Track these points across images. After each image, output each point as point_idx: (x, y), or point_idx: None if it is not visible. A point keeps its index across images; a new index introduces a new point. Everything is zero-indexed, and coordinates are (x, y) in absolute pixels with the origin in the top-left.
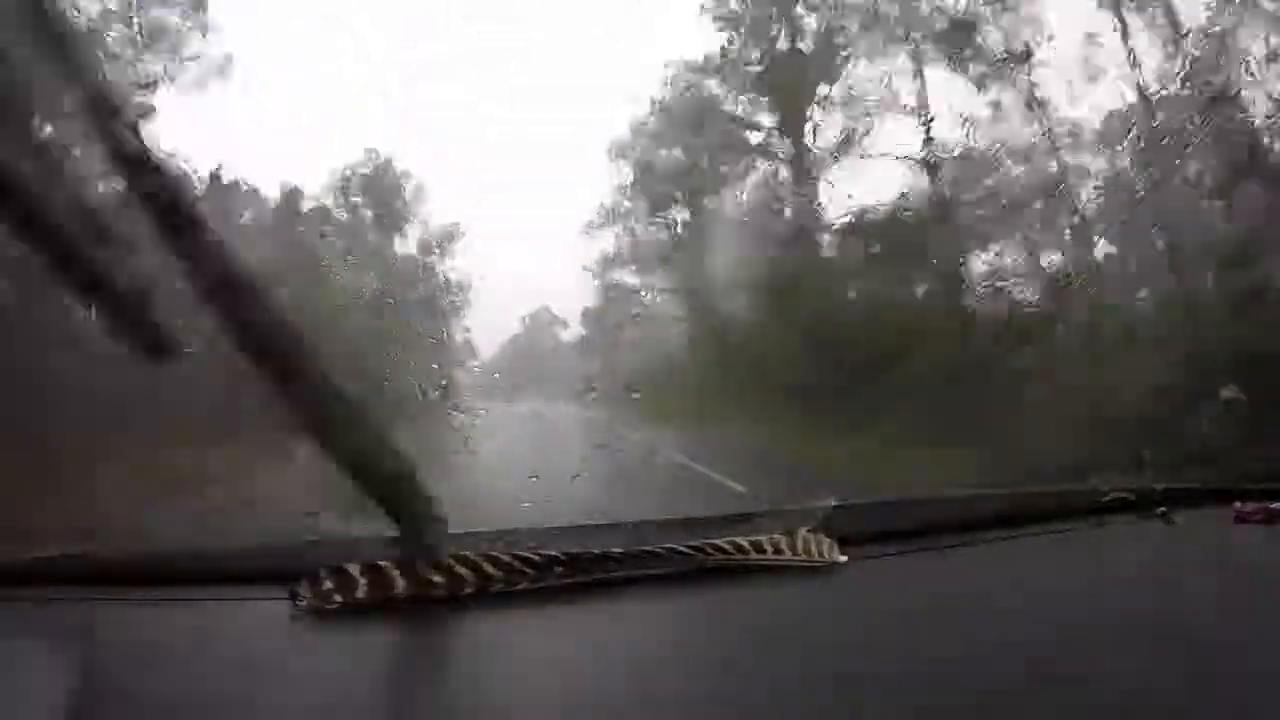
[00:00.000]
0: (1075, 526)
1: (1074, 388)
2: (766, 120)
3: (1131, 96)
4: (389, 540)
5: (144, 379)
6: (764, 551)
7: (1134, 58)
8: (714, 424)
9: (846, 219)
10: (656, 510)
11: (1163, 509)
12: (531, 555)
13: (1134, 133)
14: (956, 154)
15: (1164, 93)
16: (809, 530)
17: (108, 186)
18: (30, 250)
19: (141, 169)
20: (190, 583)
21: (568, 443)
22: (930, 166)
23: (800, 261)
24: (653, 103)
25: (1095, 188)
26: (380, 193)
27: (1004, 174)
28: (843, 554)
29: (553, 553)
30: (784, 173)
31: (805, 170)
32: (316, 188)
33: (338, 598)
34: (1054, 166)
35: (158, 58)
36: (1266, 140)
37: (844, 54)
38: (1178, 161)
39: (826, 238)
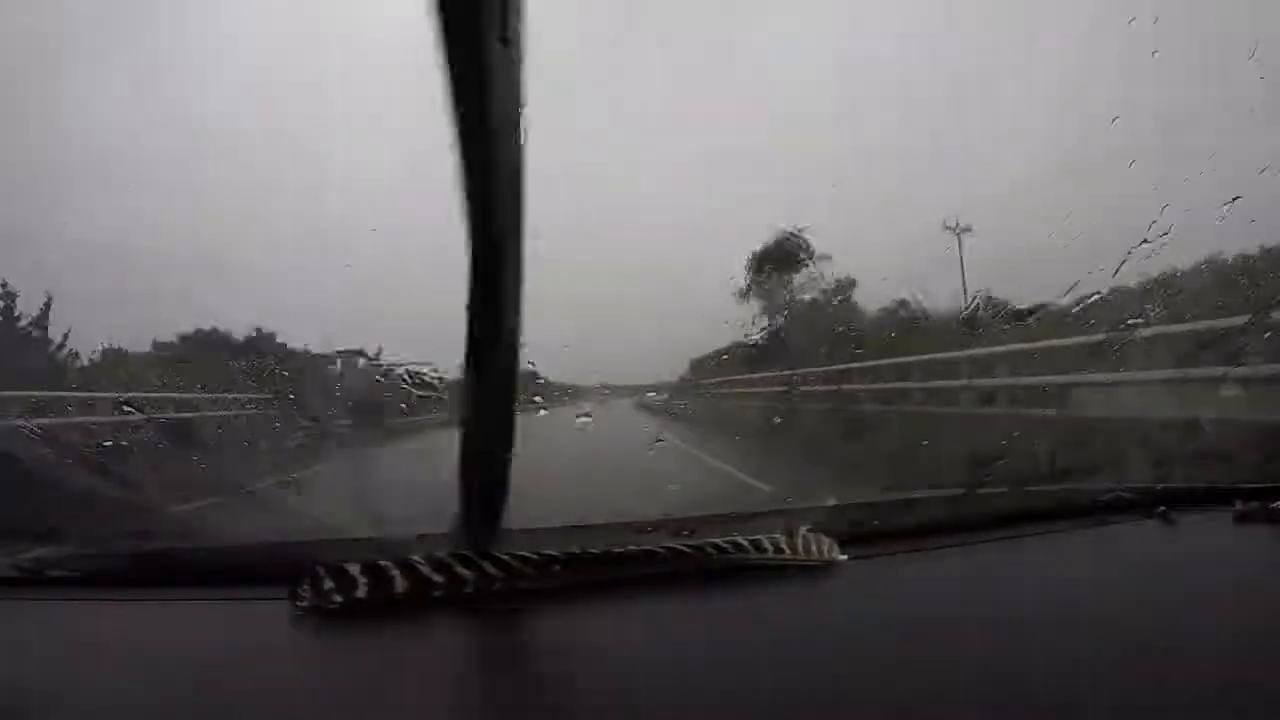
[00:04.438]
0: (1075, 526)
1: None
2: None
3: None
4: (391, 540)
5: None
6: (764, 551)
7: None
8: None
9: None
10: None
11: (1163, 509)
12: (531, 555)
13: None
14: None
15: None
16: (809, 529)
17: None
18: None
19: None
20: (190, 583)
21: None
22: None
23: None
24: None
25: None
26: None
27: None
28: (843, 553)
29: (553, 553)
30: None
31: None
32: None
33: (338, 598)
34: None
35: None
36: None
37: None
38: None
39: None
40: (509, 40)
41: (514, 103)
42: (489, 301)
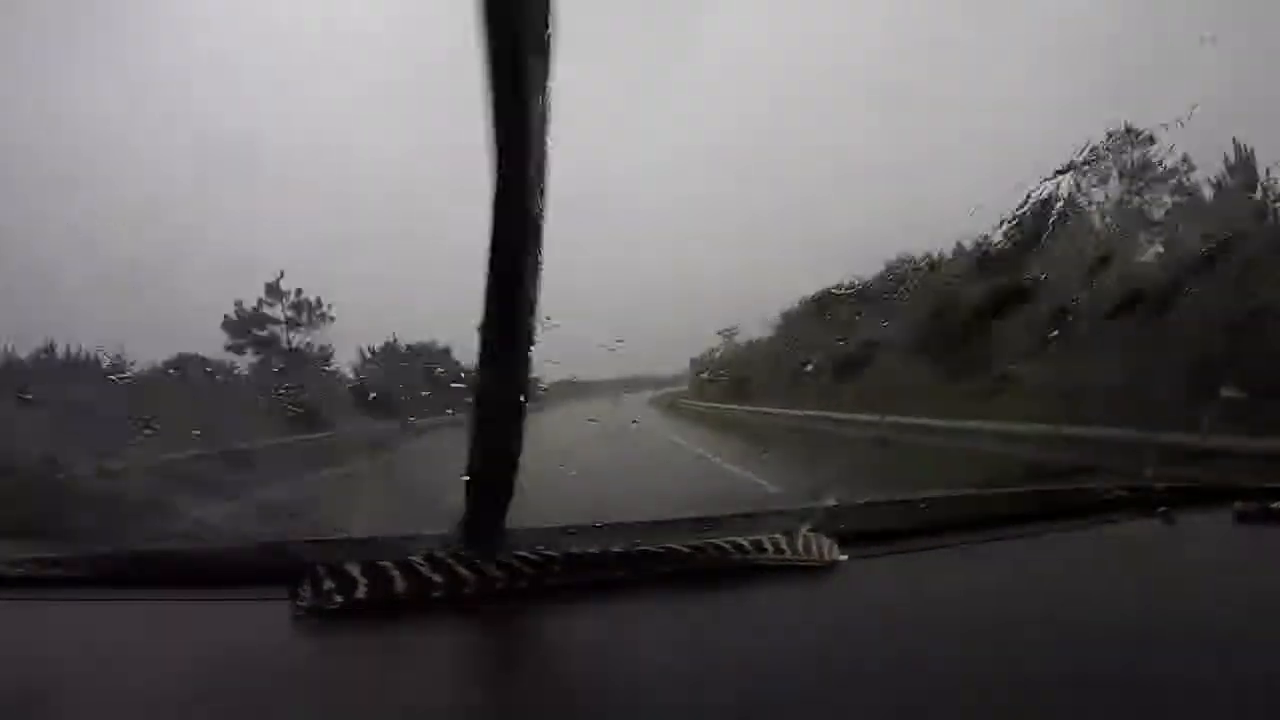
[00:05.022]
0: (1075, 526)
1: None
2: None
3: None
4: (391, 540)
5: None
6: (764, 551)
7: None
8: None
9: None
10: None
11: (1163, 509)
12: (531, 555)
13: None
14: None
15: None
16: (809, 530)
17: None
18: None
19: None
20: (190, 583)
21: None
22: None
23: None
24: None
25: None
26: None
27: None
28: (843, 554)
29: (552, 553)
30: None
31: None
32: None
33: (338, 598)
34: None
35: None
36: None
37: None
38: None
39: None
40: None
41: (545, 98)
42: (504, 302)
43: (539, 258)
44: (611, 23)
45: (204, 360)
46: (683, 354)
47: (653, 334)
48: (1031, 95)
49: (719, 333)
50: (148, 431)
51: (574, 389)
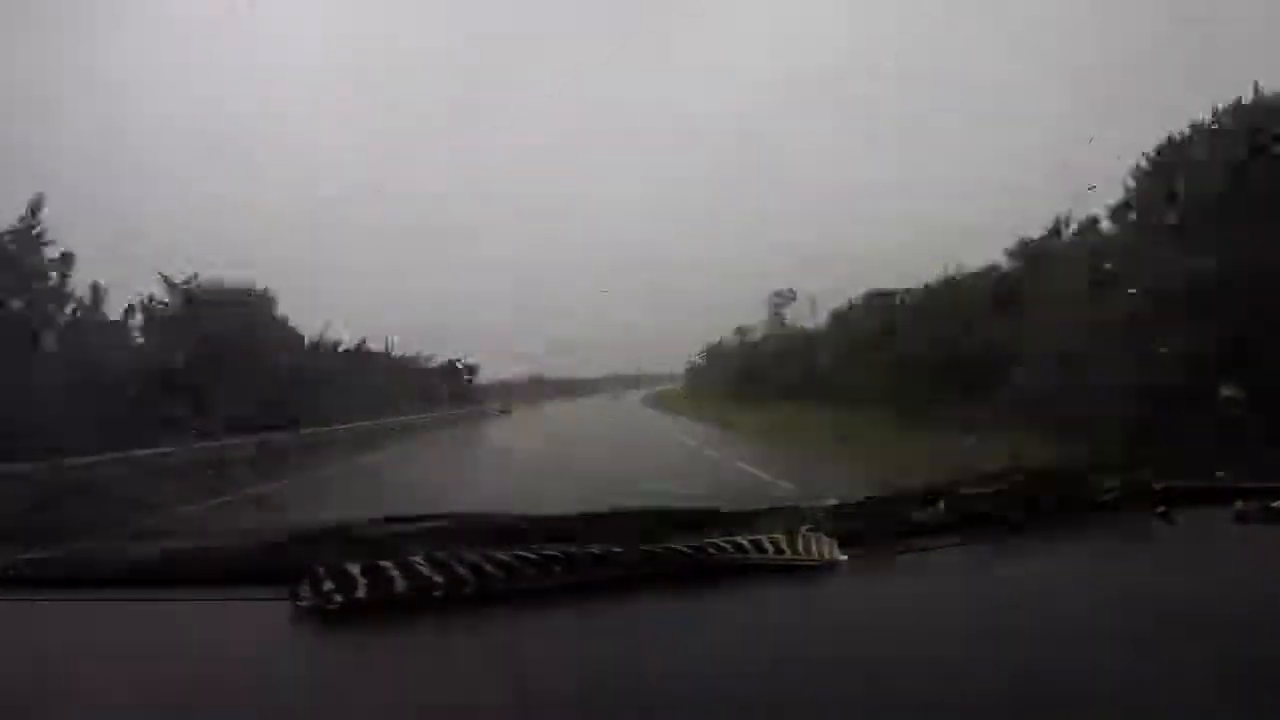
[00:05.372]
0: (1075, 526)
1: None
2: None
3: None
4: (390, 539)
5: None
6: (764, 551)
7: None
8: None
9: None
10: None
11: (1163, 508)
12: (531, 555)
13: None
14: None
15: None
16: (809, 529)
17: None
18: None
19: None
20: (190, 583)
21: None
22: None
23: None
24: None
25: None
26: None
27: None
28: (843, 553)
29: (553, 552)
30: None
31: None
32: None
33: (338, 598)
34: None
35: None
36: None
37: None
38: None
39: None
40: None
41: None
42: None
43: None
44: (617, 30)
45: None
46: (681, 352)
47: (651, 333)
48: (1020, 108)
49: (770, 295)
50: None
51: (544, 389)
